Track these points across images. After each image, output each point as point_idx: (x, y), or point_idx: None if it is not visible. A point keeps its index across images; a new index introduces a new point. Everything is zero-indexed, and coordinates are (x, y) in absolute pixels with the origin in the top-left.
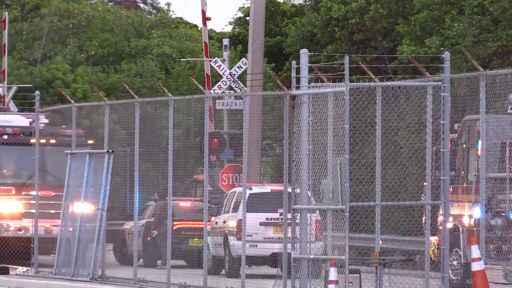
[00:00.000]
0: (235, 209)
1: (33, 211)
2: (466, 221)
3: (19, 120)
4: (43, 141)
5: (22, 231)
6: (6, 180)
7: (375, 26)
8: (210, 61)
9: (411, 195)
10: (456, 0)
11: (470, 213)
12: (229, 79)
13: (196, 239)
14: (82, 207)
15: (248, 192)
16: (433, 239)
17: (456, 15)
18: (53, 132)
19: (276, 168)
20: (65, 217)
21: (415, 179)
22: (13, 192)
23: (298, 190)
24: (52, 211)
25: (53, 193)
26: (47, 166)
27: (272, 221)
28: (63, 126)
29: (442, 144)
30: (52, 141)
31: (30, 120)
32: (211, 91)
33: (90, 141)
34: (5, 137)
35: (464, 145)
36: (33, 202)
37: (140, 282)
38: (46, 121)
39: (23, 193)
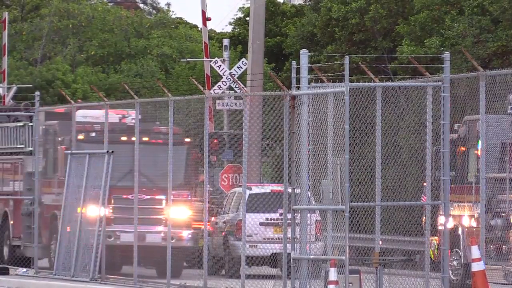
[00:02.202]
0: (235, 210)
1: (126, 216)
2: (466, 221)
3: (108, 116)
4: (134, 139)
5: (112, 238)
6: (96, 182)
7: (375, 26)
8: (210, 61)
9: (411, 195)
10: (456, 0)
11: (471, 213)
12: (229, 79)
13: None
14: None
15: (248, 192)
16: (433, 239)
17: (456, 15)
18: (146, 129)
19: (276, 168)
20: (65, 217)
21: (415, 179)
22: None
23: (298, 190)
24: (145, 216)
25: (146, 197)
26: (139, 166)
27: (272, 221)
28: (157, 123)
29: (442, 144)
30: (145, 138)
31: (120, 116)
32: (211, 91)
33: (187, 139)
34: (93, 134)
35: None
36: (124, 206)
37: (140, 282)
38: (139, 116)
39: (113, 196)
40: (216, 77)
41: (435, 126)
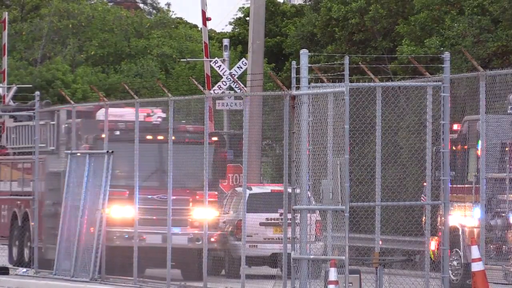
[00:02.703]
0: (235, 210)
1: (153, 217)
2: (466, 221)
3: (132, 114)
4: (160, 137)
5: (137, 240)
6: (119, 181)
7: (375, 26)
8: (210, 61)
9: (411, 195)
10: (456, 0)
11: (471, 214)
12: (229, 79)
13: None
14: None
15: (248, 192)
16: (433, 239)
17: (456, 15)
18: (172, 128)
19: (276, 168)
20: (65, 217)
21: (415, 179)
22: (127, 195)
23: (298, 190)
24: (173, 217)
25: (173, 197)
26: (165, 166)
27: (272, 221)
28: (183, 122)
29: (442, 144)
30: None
31: (144, 114)
32: (211, 91)
33: (214, 138)
34: (117, 133)
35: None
36: (151, 207)
37: (140, 282)
38: (163, 115)
39: (139, 196)
40: (216, 77)
41: (435, 126)
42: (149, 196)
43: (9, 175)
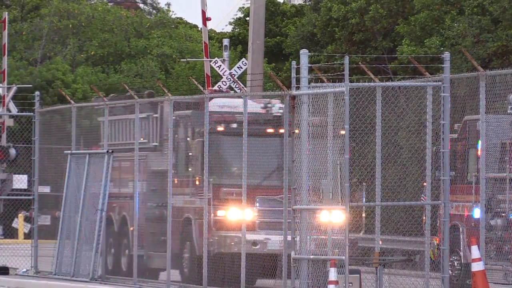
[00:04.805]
0: None
1: (271, 220)
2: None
3: (249, 105)
4: (281, 131)
5: (258, 246)
6: (235, 180)
7: (375, 26)
8: (210, 61)
9: (411, 195)
10: (456, 0)
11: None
12: (229, 79)
13: None
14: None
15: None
16: (433, 239)
17: (456, 15)
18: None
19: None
20: (65, 218)
21: (415, 179)
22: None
23: (298, 190)
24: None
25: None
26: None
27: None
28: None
29: (442, 144)
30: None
31: (262, 105)
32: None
33: (342, 132)
34: (234, 125)
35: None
36: (272, 208)
37: (140, 282)
38: (282, 106)
39: (257, 197)
40: (216, 77)
41: (435, 126)
42: (269, 197)
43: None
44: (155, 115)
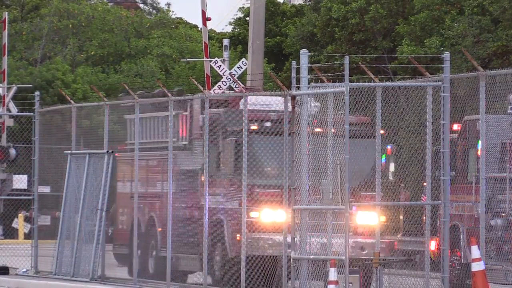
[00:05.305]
0: None
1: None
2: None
3: (281, 103)
4: (318, 130)
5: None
6: (270, 181)
7: (375, 26)
8: (210, 61)
9: (411, 195)
10: (456, 0)
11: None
12: (229, 79)
13: None
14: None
15: None
16: (433, 239)
17: (456, 15)
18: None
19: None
20: (65, 218)
21: (415, 179)
22: (281, 196)
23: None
24: (336, 223)
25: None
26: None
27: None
28: (341, 112)
29: (442, 144)
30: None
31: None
32: (211, 91)
33: (382, 131)
34: (268, 124)
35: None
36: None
37: (140, 282)
38: (318, 104)
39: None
40: (216, 77)
41: (435, 126)
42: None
43: (130, 175)
44: (184, 113)
